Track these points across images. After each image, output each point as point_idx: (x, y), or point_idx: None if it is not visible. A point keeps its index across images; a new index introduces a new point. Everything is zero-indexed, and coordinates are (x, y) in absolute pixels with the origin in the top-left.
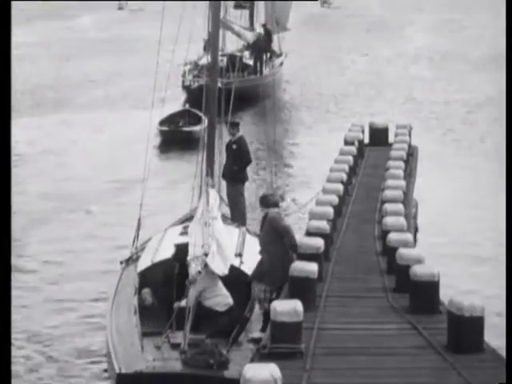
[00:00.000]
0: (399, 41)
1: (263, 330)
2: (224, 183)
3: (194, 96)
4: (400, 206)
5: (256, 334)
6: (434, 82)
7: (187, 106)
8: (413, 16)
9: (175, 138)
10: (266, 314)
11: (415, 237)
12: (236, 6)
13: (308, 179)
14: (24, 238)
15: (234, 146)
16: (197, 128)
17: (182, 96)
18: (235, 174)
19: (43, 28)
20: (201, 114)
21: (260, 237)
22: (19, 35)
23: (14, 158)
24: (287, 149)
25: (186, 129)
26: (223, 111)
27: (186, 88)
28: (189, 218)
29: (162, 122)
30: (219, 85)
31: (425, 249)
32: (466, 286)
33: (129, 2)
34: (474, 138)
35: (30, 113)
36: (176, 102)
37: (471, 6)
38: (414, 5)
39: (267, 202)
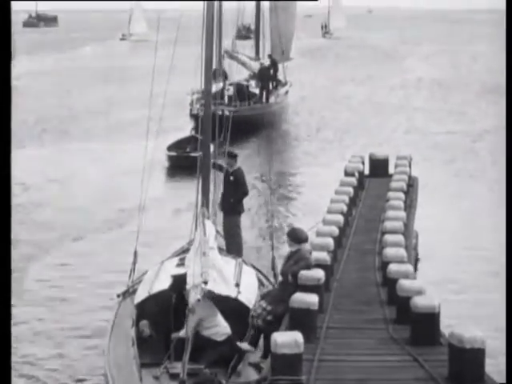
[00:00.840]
0: (400, 71)
1: (251, 343)
2: (221, 214)
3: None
4: (400, 237)
5: (252, 359)
6: (434, 112)
7: (193, 132)
8: (413, 46)
9: (182, 162)
10: (257, 330)
11: (416, 268)
12: (238, 37)
13: (308, 210)
14: (23, 269)
15: (232, 178)
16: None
17: (191, 124)
18: (232, 206)
19: (45, 58)
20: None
21: (287, 268)
22: (22, 65)
23: (14, 189)
24: (287, 178)
25: (192, 154)
26: (224, 137)
27: (193, 116)
28: (185, 251)
29: (170, 148)
30: (226, 112)
31: (425, 279)
32: (467, 316)
33: (132, 32)
34: (475, 168)
35: (31, 143)
36: (185, 130)
37: (472, 37)
38: (414, 36)
39: (299, 237)
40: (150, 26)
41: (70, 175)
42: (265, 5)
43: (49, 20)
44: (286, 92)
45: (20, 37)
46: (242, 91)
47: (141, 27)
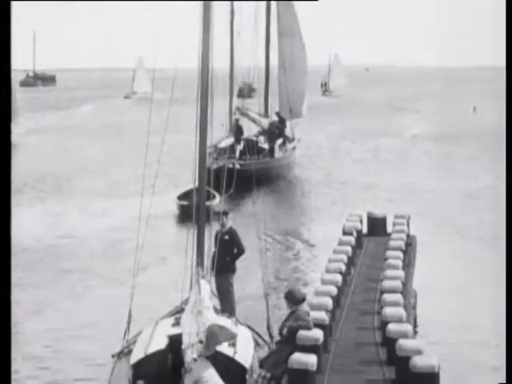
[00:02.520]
0: (398, 127)
1: None
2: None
3: (215, 176)
4: (399, 297)
5: None
6: (432, 169)
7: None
8: (410, 103)
9: (191, 211)
10: None
11: (415, 327)
12: (241, 96)
13: (307, 268)
14: (21, 328)
15: (227, 237)
16: (209, 202)
17: None
18: (227, 265)
19: (44, 117)
20: (212, 190)
21: (285, 328)
22: (21, 125)
23: (14, 248)
24: (287, 236)
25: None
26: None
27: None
28: (179, 311)
29: (180, 197)
30: (237, 166)
31: (425, 339)
32: (467, 374)
33: (136, 91)
34: (473, 226)
35: (30, 202)
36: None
37: (470, 94)
38: (412, 93)
39: (296, 298)
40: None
41: (69, 232)
42: (273, 65)
43: (47, 79)
44: (294, 147)
45: (23, 93)
46: (251, 146)
47: (144, 86)
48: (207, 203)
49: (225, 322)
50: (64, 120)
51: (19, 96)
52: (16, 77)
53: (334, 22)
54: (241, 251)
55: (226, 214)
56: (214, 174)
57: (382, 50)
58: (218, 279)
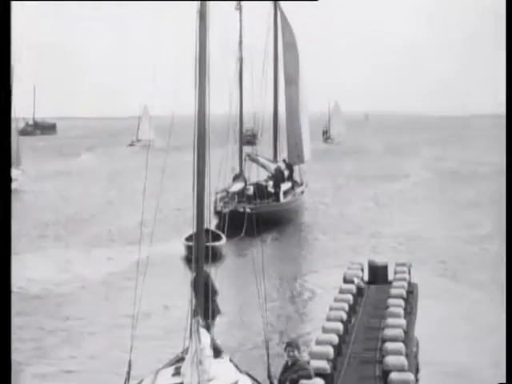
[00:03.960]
0: (398, 174)
1: None
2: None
3: (226, 219)
4: (401, 345)
5: None
6: (433, 215)
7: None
8: (410, 151)
9: None
10: None
11: (417, 376)
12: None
13: (308, 317)
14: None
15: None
16: (215, 243)
17: (214, 220)
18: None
19: (44, 166)
20: (219, 232)
21: (285, 377)
22: (23, 172)
23: (14, 297)
24: (287, 285)
25: (207, 244)
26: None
27: (217, 213)
28: (179, 360)
29: (187, 239)
30: (247, 210)
31: None
32: None
33: (141, 138)
34: (474, 272)
35: (29, 249)
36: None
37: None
38: (412, 140)
39: (298, 345)
40: (157, 132)
41: (71, 279)
42: (281, 111)
43: (47, 128)
44: (302, 192)
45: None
46: (261, 190)
47: (149, 134)
48: (212, 244)
49: (226, 367)
50: (66, 168)
51: (15, 145)
52: (15, 125)
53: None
54: (214, 293)
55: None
56: (226, 217)
57: (383, 97)
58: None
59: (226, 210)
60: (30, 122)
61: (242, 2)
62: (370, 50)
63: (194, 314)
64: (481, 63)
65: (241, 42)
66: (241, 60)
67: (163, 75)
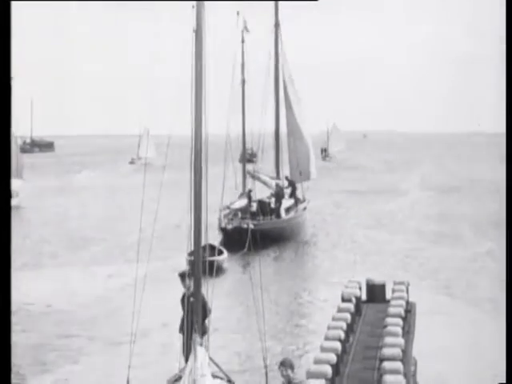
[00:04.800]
0: (396, 193)
1: None
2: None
3: (230, 236)
4: (399, 364)
5: None
6: (431, 235)
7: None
8: (408, 169)
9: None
10: None
11: None
12: (241, 161)
13: (306, 335)
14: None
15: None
16: (215, 258)
17: (219, 236)
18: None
19: (46, 181)
20: (221, 247)
21: None
22: (23, 187)
23: (14, 318)
24: (286, 304)
25: (208, 259)
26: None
27: (222, 230)
28: (177, 379)
29: (190, 253)
30: (251, 226)
31: None
32: None
33: (141, 156)
34: (473, 292)
35: (29, 266)
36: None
37: (469, 160)
38: (410, 158)
39: (292, 364)
40: (158, 150)
41: (71, 296)
42: (283, 131)
43: (44, 146)
44: (304, 208)
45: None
46: (264, 207)
47: (149, 152)
48: (213, 258)
49: None
50: (66, 185)
51: (14, 161)
52: (12, 143)
53: (332, 90)
54: (207, 312)
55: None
56: (229, 234)
57: (380, 116)
58: (187, 342)
59: (230, 227)
60: (28, 141)
61: (248, 24)
62: (370, 70)
63: (192, 331)
64: (480, 82)
65: (243, 64)
66: (243, 82)
67: (163, 94)
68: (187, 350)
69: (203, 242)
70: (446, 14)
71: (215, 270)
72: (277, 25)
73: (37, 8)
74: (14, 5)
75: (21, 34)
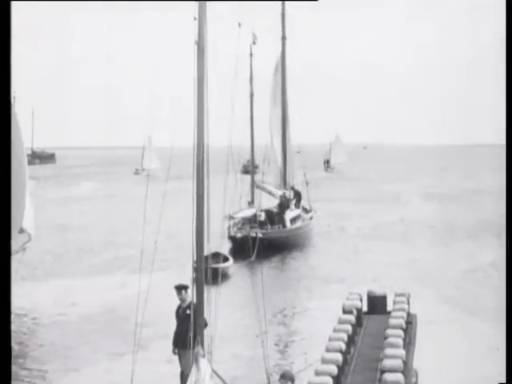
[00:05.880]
0: (396, 205)
1: None
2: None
3: (239, 244)
4: (400, 376)
5: None
6: (432, 247)
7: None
8: (408, 181)
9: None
10: None
11: None
12: (245, 172)
13: (306, 348)
14: None
15: (188, 312)
16: (221, 265)
17: (228, 245)
18: (190, 340)
19: (48, 192)
20: (227, 255)
21: None
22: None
23: (14, 328)
24: (286, 315)
25: (213, 265)
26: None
27: (231, 238)
28: None
29: (194, 262)
30: (259, 235)
31: None
32: None
33: (145, 167)
34: (474, 303)
35: (30, 278)
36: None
37: (469, 172)
38: (410, 170)
39: (292, 377)
40: (162, 161)
41: (73, 308)
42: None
43: (45, 157)
44: (311, 217)
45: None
46: (271, 216)
47: (153, 162)
48: (218, 265)
49: None
50: (69, 195)
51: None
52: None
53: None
54: (204, 324)
55: (185, 288)
56: (239, 242)
57: (381, 128)
58: (181, 354)
59: (240, 235)
60: (29, 152)
61: (257, 34)
62: (371, 82)
63: (195, 343)
64: (481, 93)
65: (251, 79)
66: (251, 95)
67: (166, 106)
68: (184, 362)
69: (206, 250)
70: (449, 22)
71: (220, 277)
72: (283, 38)
73: (38, 21)
74: (13, 14)
75: (21, 46)
